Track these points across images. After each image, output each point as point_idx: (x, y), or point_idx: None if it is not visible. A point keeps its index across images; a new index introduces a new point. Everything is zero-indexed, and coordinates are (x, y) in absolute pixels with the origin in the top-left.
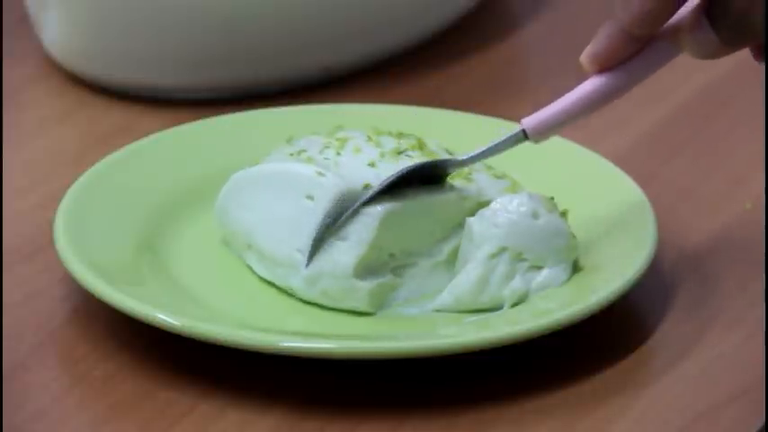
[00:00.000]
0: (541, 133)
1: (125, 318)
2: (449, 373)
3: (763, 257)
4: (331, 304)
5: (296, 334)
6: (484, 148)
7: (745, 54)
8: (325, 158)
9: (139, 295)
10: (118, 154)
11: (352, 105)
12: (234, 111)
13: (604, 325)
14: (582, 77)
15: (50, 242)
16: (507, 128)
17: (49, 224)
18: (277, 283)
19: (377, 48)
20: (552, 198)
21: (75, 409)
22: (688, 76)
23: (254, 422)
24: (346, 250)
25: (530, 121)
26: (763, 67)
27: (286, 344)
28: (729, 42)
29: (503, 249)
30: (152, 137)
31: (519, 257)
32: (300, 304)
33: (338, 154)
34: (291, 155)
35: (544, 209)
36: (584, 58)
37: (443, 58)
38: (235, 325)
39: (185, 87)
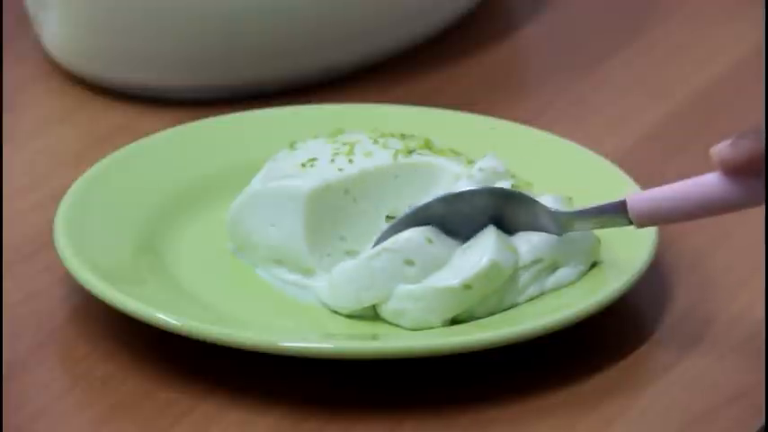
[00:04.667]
0: (647, 220)
1: (125, 318)
2: (449, 373)
3: (763, 257)
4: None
5: (296, 334)
6: (585, 210)
7: (744, 54)
8: (339, 169)
9: (139, 295)
10: (118, 154)
11: (353, 105)
12: (234, 111)
13: (604, 325)
14: (581, 76)
15: (50, 242)
16: (507, 127)
17: (49, 224)
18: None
19: (377, 48)
20: (570, 198)
21: (75, 409)
22: (688, 76)
23: (254, 422)
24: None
25: (637, 202)
26: (763, 66)
27: (286, 344)
28: None
29: (538, 261)
30: (152, 137)
31: (553, 266)
32: (300, 304)
33: (350, 161)
34: (303, 165)
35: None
36: (718, 156)
37: (443, 58)
38: (235, 325)
39: (185, 87)
